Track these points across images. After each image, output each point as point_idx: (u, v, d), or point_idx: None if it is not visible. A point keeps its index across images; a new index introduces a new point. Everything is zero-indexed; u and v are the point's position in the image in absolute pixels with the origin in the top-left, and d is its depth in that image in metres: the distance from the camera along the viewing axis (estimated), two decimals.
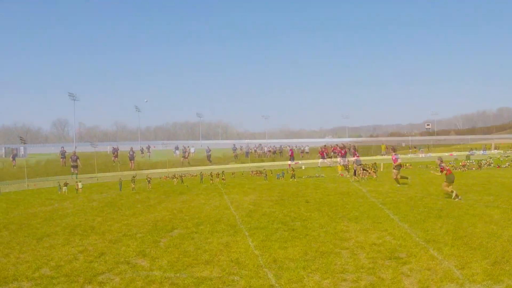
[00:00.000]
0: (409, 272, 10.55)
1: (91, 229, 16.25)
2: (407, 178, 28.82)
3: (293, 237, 14.34)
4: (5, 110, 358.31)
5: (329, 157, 59.07)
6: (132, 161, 50.31)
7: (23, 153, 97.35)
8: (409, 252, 12.19)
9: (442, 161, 22.84)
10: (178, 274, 10.66)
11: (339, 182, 30.96)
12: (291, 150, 52.99)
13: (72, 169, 40.10)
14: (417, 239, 13.66)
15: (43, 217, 18.68)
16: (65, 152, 54.90)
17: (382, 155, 74.06)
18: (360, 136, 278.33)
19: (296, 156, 69.90)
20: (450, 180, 21.97)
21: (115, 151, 59.89)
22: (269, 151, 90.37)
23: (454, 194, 21.60)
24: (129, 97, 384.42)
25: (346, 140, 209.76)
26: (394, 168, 28.06)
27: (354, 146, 63.60)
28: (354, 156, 38.42)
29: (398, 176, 27.87)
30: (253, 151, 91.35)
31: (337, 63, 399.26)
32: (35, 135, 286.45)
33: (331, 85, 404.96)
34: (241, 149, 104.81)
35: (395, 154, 28.49)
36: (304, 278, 10.24)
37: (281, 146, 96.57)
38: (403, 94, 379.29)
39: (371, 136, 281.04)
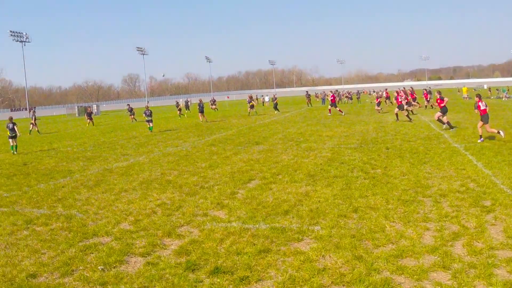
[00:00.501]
0: (494, 221, 10.42)
1: (168, 182, 16.58)
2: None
3: (374, 185, 14.31)
4: (77, 69, 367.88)
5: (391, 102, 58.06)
6: (201, 114, 49.98)
7: (95, 111, 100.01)
8: (494, 200, 12.02)
9: (480, 99, 22.38)
10: (257, 225, 10.81)
11: (418, 128, 30.55)
12: (332, 95, 52.17)
13: (147, 123, 40.91)
14: (501, 186, 13.45)
15: (119, 173, 19.12)
16: (132, 108, 55.52)
17: (464, 98, 72.44)
18: (440, 79, 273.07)
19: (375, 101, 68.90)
20: (485, 121, 21.63)
21: (178, 105, 59.79)
22: (346, 96, 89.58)
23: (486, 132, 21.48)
24: (200, 48, 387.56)
25: (425, 83, 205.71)
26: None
27: (426, 88, 62.34)
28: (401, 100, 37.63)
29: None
30: (328, 97, 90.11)
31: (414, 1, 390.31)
32: (106, 92, 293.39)
33: (409, 25, 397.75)
34: (316, 96, 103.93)
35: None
36: (386, 227, 10.22)
37: (358, 91, 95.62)
38: (484, 32, 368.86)
39: (451, 78, 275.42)
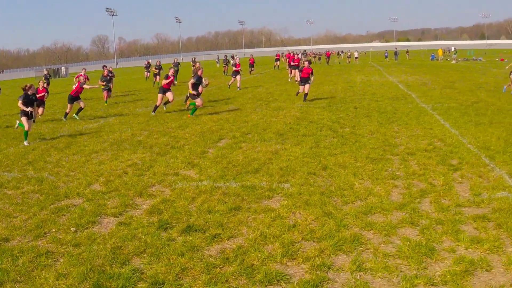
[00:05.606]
0: (460, 179, 10.62)
1: (138, 143, 16.52)
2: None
3: (342, 143, 14.47)
4: (44, 30, 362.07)
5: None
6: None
7: (64, 73, 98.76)
8: (461, 159, 12.25)
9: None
10: (227, 184, 10.88)
11: (386, 88, 30.76)
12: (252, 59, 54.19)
13: (154, 78, 42.32)
14: (468, 145, 13.67)
15: (89, 134, 18.96)
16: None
17: (440, 60, 72.94)
18: (408, 40, 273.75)
19: (343, 62, 68.62)
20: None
21: (147, 66, 57.04)
22: (315, 57, 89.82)
23: None
24: (169, 8, 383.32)
25: (393, 44, 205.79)
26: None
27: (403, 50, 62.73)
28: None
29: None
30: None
31: None
32: (75, 54, 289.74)
33: None
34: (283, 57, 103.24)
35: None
36: (355, 184, 10.35)
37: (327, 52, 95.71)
38: None
39: (420, 40, 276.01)
